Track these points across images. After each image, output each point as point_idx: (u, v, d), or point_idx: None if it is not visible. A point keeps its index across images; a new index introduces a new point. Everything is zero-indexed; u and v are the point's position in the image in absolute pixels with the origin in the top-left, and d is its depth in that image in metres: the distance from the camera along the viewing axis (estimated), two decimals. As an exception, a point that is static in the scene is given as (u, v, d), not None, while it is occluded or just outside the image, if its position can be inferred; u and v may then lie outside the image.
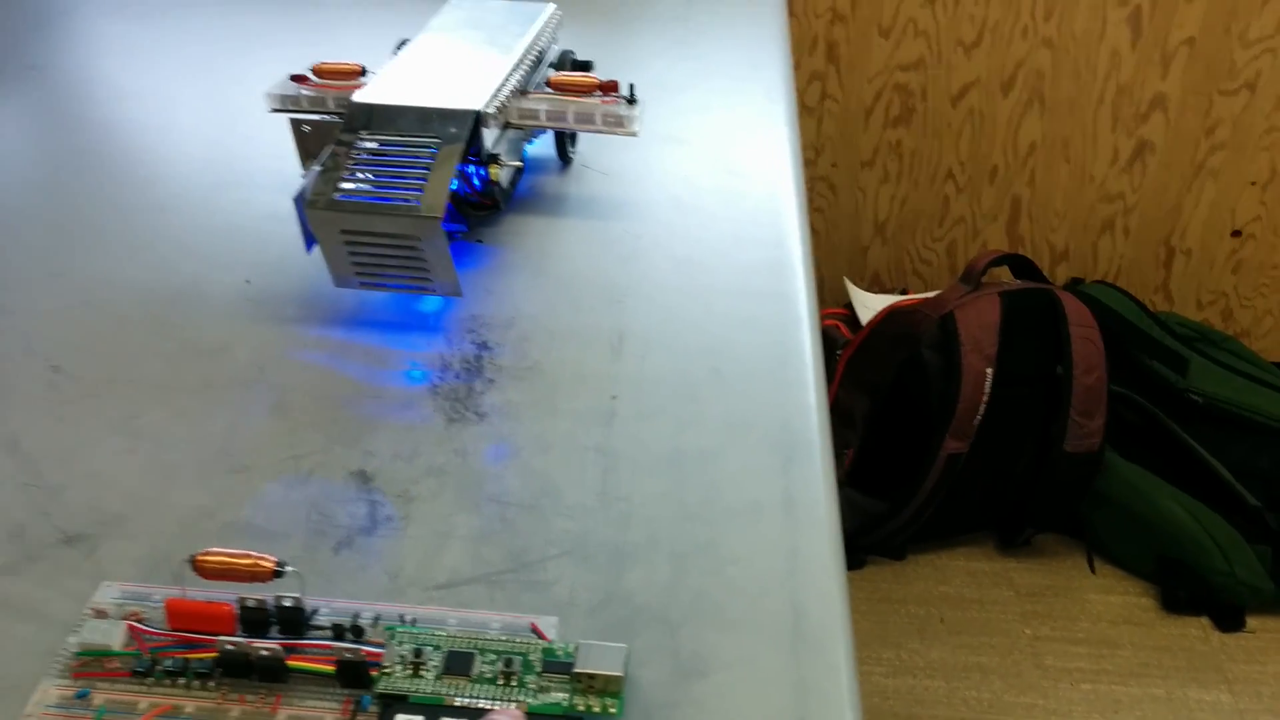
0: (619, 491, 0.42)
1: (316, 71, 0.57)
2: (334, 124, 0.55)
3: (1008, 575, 1.40)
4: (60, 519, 0.41)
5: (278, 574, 0.35)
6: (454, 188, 0.53)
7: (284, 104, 0.56)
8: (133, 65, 0.77)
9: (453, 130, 0.51)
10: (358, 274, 0.50)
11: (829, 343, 1.45)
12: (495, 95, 0.54)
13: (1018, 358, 1.29)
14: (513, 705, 0.33)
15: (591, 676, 0.33)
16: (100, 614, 0.36)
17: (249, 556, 0.35)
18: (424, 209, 0.48)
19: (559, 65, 0.63)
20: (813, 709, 0.34)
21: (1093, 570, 1.40)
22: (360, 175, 0.49)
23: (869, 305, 1.51)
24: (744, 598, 0.38)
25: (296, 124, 0.56)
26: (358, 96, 0.53)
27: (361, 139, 0.51)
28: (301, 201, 0.49)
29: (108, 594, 0.37)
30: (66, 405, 0.47)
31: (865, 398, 1.36)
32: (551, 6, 0.64)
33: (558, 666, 0.34)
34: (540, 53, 0.61)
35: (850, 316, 1.55)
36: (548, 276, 0.55)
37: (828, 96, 1.51)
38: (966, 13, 1.42)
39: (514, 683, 0.33)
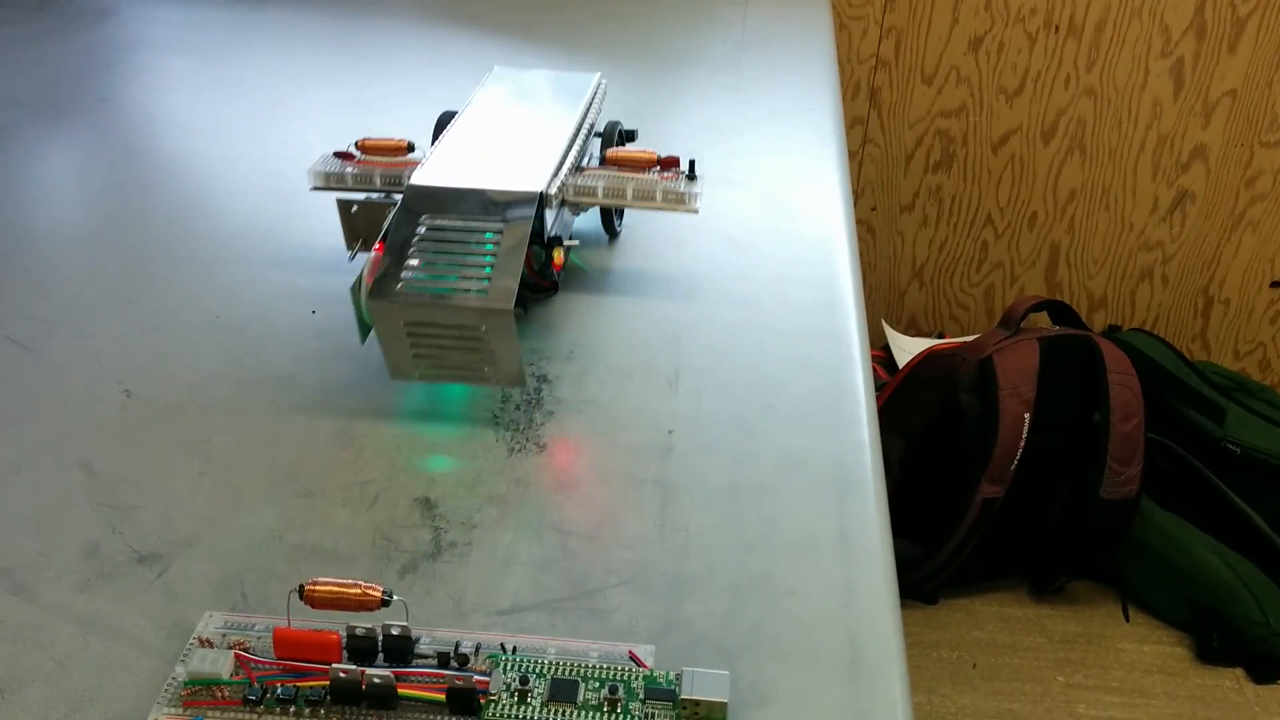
0: (677, 523, 0.43)
1: (361, 147, 0.55)
2: (383, 203, 0.54)
3: (1041, 622, 1.39)
4: (133, 538, 0.42)
5: (384, 603, 0.36)
6: None
7: (328, 182, 0.54)
8: (197, 101, 0.80)
9: (517, 214, 0.49)
10: (417, 367, 0.48)
11: (864, 384, 1.46)
12: (555, 175, 0.52)
13: (1055, 403, 1.29)
14: None
15: (697, 703, 0.34)
16: (206, 643, 0.36)
17: (358, 586, 0.36)
18: (493, 300, 0.45)
19: (607, 135, 0.60)
20: (873, 742, 0.35)
21: (1127, 618, 1.38)
22: (422, 263, 0.47)
23: (905, 348, 1.52)
24: (800, 629, 0.39)
25: (345, 204, 0.54)
26: (415, 179, 0.50)
27: (421, 224, 0.48)
28: (357, 292, 0.48)
29: (212, 624, 0.37)
30: (138, 428, 0.48)
31: (901, 440, 1.36)
32: (598, 75, 0.63)
33: (660, 694, 0.34)
34: (591, 125, 0.60)
35: (887, 359, 1.55)
36: (605, 313, 0.56)
37: (869, 141, 1.52)
38: (1009, 61, 1.43)
39: (619, 709, 0.34)
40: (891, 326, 1.61)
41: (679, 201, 0.55)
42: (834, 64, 0.87)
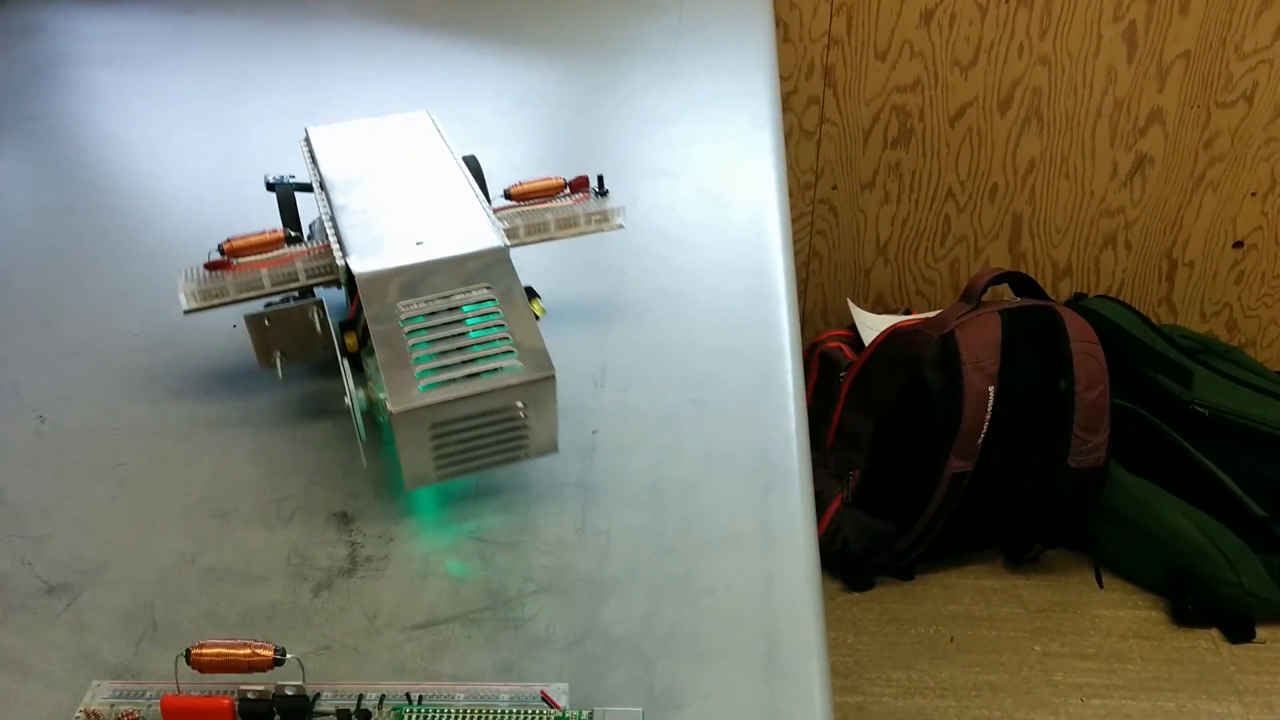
0: (598, 526, 0.43)
1: (231, 251, 0.47)
2: (300, 305, 0.48)
3: (1016, 592, 1.39)
4: (42, 568, 0.42)
5: (277, 662, 0.34)
6: None
7: (208, 300, 0.46)
8: (125, 115, 0.78)
9: (498, 274, 0.44)
10: (443, 468, 0.42)
11: (833, 365, 1.45)
12: (494, 225, 0.47)
13: (1020, 375, 1.28)
14: None
15: None
16: (93, 716, 0.35)
17: (248, 646, 0.34)
18: (532, 370, 0.41)
19: (475, 173, 0.53)
20: (785, 743, 0.34)
21: (1101, 585, 1.39)
22: (428, 358, 0.41)
23: (872, 326, 1.51)
24: (719, 628, 0.38)
25: (255, 319, 0.47)
26: (358, 268, 0.43)
27: (398, 313, 0.42)
28: (355, 403, 0.43)
29: (99, 695, 0.36)
30: (52, 454, 0.47)
31: (870, 419, 1.36)
32: (424, 112, 0.56)
33: None
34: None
35: (854, 338, 1.55)
36: (531, 312, 0.56)
37: (826, 120, 1.51)
38: (962, 33, 1.42)
39: None
40: (858, 305, 1.61)
41: (604, 221, 0.52)
42: (773, 46, 0.86)
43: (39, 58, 0.88)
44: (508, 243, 0.45)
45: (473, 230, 0.46)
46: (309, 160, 0.53)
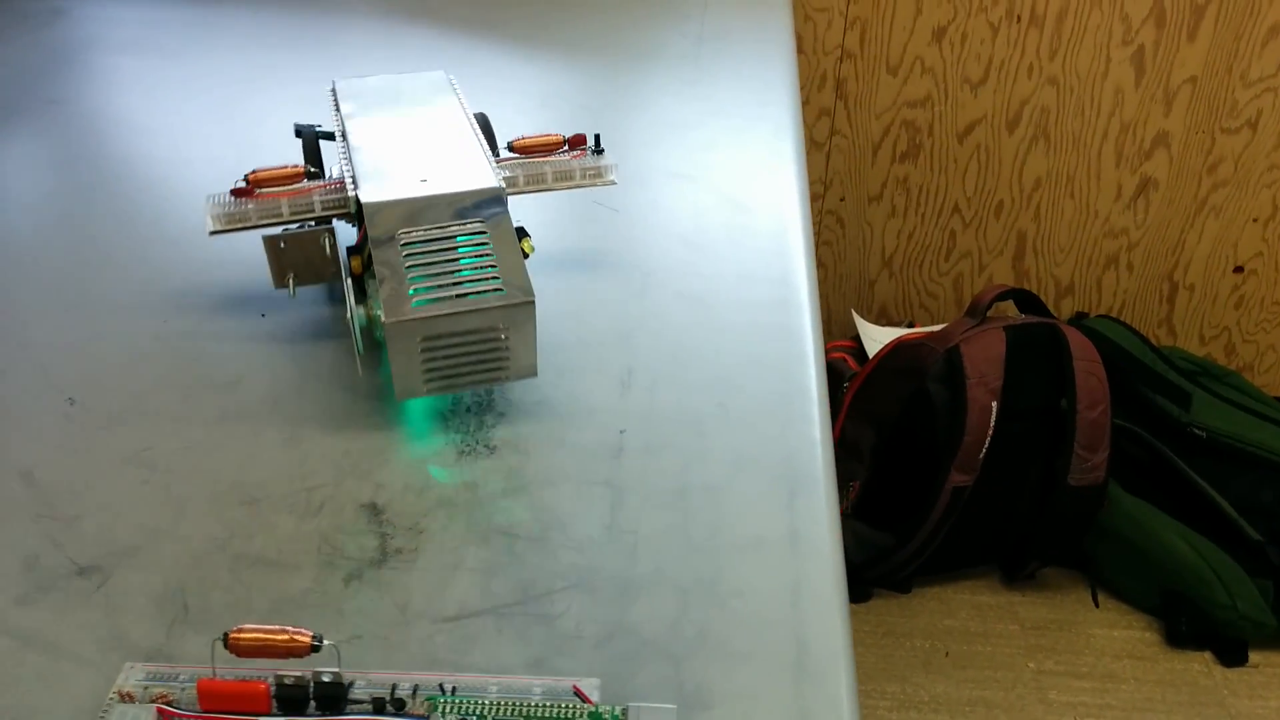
0: (626, 525, 0.43)
1: (255, 181, 0.51)
2: (313, 232, 0.52)
3: (1012, 609, 1.39)
4: (73, 550, 0.42)
5: (314, 648, 0.34)
6: None
7: (230, 223, 0.51)
8: (150, 101, 0.79)
9: (492, 211, 0.48)
10: (428, 382, 0.47)
11: (836, 375, 1.46)
12: (494, 169, 0.51)
13: (1022, 392, 1.29)
14: None
15: None
16: (127, 697, 0.35)
17: (285, 632, 0.34)
18: (514, 295, 0.46)
19: (484, 128, 0.57)
20: (816, 744, 0.34)
21: (1096, 604, 1.39)
22: (423, 277, 0.46)
23: (876, 338, 1.52)
24: (748, 630, 0.38)
25: (273, 241, 0.52)
26: (367, 197, 0.48)
27: (398, 239, 0.47)
28: (355, 319, 0.47)
29: (133, 676, 0.36)
30: (81, 437, 0.47)
31: (871, 431, 1.36)
32: (442, 73, 0.60)
33: None
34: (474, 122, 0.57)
35: (857, 349, 1.55)
36: (558, 312, 0.56)
37: (836, 132, 1.52)
38: (973, 51, 1.43)
39: None
40: (862, 317, 1.61)
41: (597, 176, 0.56)
42: (793, 57, 0.87)
43: (63, 43, 0.88)
44: (503, 185, 0.49)
45: (473, 172, 0.50)
46: (334, 109, 0.57)
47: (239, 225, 0.51)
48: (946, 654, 1.34)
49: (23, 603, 0.39)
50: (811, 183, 1.56)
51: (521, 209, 0.64)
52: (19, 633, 0.38)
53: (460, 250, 0.47)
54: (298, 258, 0.53)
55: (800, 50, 1.44)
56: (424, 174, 0.50)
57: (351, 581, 0.41)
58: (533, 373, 0.48)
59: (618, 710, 0.34)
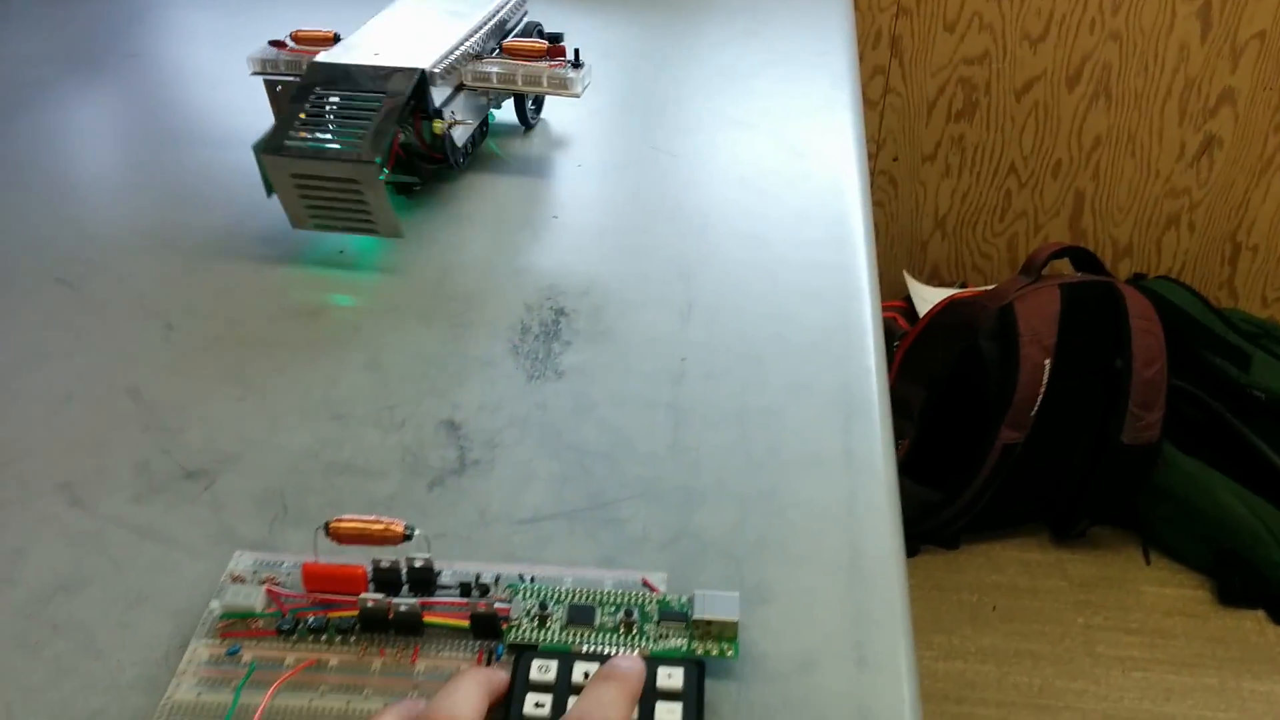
0: (688, 442, 0.46)
1: (294, 38, 0.62)
2: (292, 78, 0.60)
3: (1061, 566, 1.41)
4: (180, 457, 0.45)
5: (406, 537, 0.37)
6: (404, 142, 0.59)
7: (263, 68, 0.62)
8: (224, 53, 0.82)
9: (397, 87, 0.56)
10: (311, 217, 0.56)
11: (887, 334, 1.47)
12: (445, 58, 0.59)
13: (1076, 349, 1.30)
14: (634, 651, 0.35)
15: (709, 623, 0.36)
16: (238, 579, 0.38)
17: (381, 521, 0.37)
18: (362, 154, 0.53)
19: (526, 35, 0.67)
20: (870, 632, 0.37)
21: (1148, 562, 1.40)
22: (311, 127, 0.54)
23: (927, 299, 1.53)
24: (804, 537, 0.41)
25: (271, 84, 0.62)
26: (319, 58, 0.58)
27: (315, 95, 0.56)
28: (258, 152, 0.55)
29: (242, 562, 0.39)
30: (181, 359, 0.51)
31: (922, 388, 1.38)
32: None
33: (674, 615, 0.36)
34: (502, 23, 0.66)
35: (909, 309, 1.56)
36: (621, 250, 0.59)
37: (890, 90, 1.53)
38: (1033, 6, 1.42)
39: (635, 631, 0.36)
40: (914, 277, 1.62)
41: (562, 86, 0.61)
42: (850, 8, 0.88)
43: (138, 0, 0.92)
44: (427, 69, 0.57)
45: (416, 55, 0.58)
46: None
47: (269, 71, 0.62)
48: (994, 608, 1.35)
49: (138, 501, 0.43)
50: (865, 141, 1.57)
51: (583, 152, 0.67)
52: (136, 527, 0.42)
53: (354, 113, 0.55)
54: (283, 100, 0.60)
55: (855, 7, 1.45)
56: (385, 50, 0.59)
57: (434, 487, 0.44)
58: (397, 233, 0.56)
59: (684, 599, 0.37)
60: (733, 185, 0.64)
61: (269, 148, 0.54)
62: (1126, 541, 1.43)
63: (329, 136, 0.54)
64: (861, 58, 1.50)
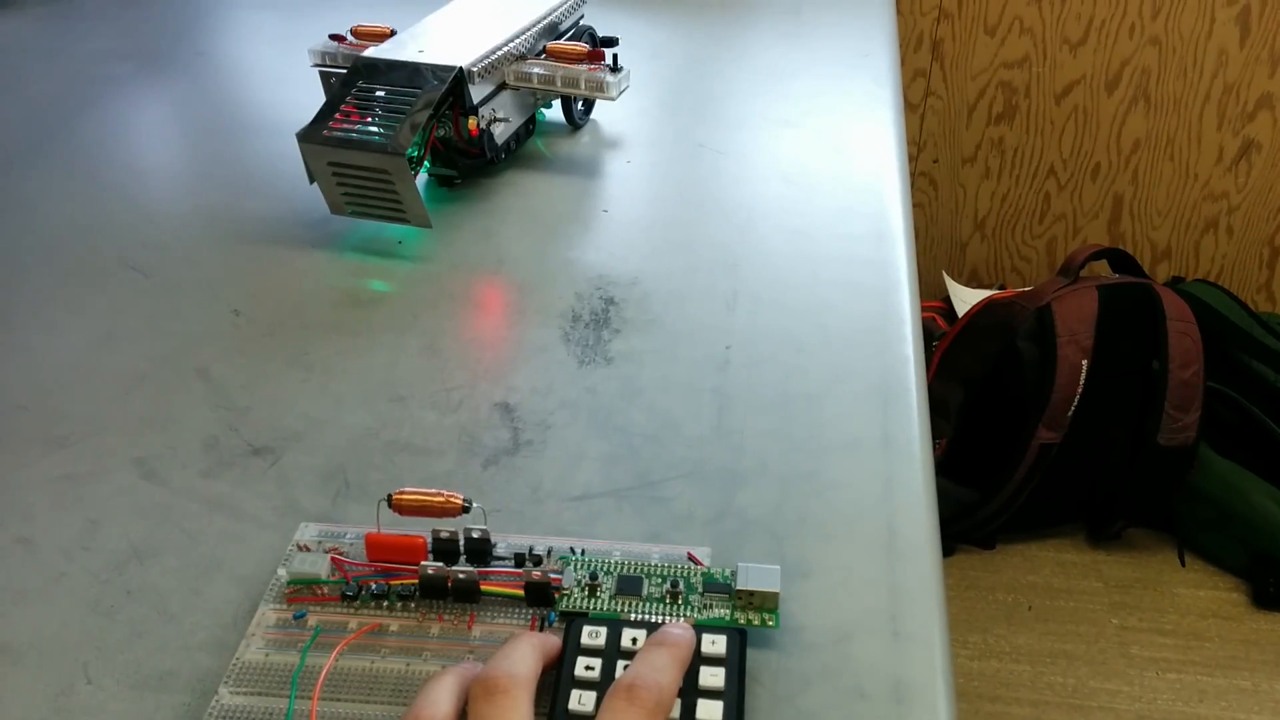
0: (732, 426, 0.47)
1: (354, 33, 0.65)
2: (345, 67, 0.62)
3: (1097, 567, 1.41)
4: (247, 434, 0.48)
5: (465, 510, 0.39)
6: (442, 136, 0.61)
7: (323, 60, 0.65)
8: (288, 53, 0.85)
9: (435, 83, 0.58)
10: (347, 204, 0.58)
11: (925, 334, 1.47)
12: (485, 57, 0.60)
13: (1114, 350, 1.30)
14: (681, 619, 0.37)
15: (751, 594, 0.37)
16: (304, 548, 0.41)
17: (441, 494, 0.39)
18: (391, 146, 0.56)
19: (578, 38, 0.69)
20: (905, 607, 0.39)
21: (1183, 564, 1.40)
22: (350, 118, 0.57)
23: (966, 300, 1.54)
24: (843, 517, 0.43)
25: (326, 76, 0.65)
26: (367, 54, 0.60)
27: (359, 88, 0.58)
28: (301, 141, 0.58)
29: (308, 533, 0.42)
30: (247, 342, 0.53)
31: (960, 388, 1.39)
32: None
33: (718, 587, 0.38)
34: (554, 25, 0.68)
35: (948, 310, 1.57)
36: (669, 243, 0.60)
37: (931, 93, 1.54)
38: (1073, 10, 1.43)
39: (680, 601, 0.38)
40: (953, 279, 1.63)
41: (598, 89, 0.63)
42: (892, 12, 0.89)
43: (207, 1, 0.95)
44: (465, 67, 0.59)
45: (458, 53, 0.60)
46: None
47: (328, 64, 0.65)
48: (1029, 608, 1.36)
49: (207, 475, 0.45)
50: (905, 144, 1.58)
51: (632, 149, 0.69)
52: (206, 499, 0.44)
53: (391, 107, 0.57)
54: (336, 84, 0.62)
55: (897, 11, 1.46)
56: (430, 48, 0.61)
57: (489, 466, 0.46)
58: (426, 224, 0.58)
59: (727, 572, 0.39)
60: (776, 182, 0.66)
61: (307, 135, 0.57)
62: (1162, 543, 1.43)
63: (366, 127, 0.57)
64: (903, 61, 1.51)
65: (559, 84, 0.64)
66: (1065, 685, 1.26)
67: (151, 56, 0.84)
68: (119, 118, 0.75)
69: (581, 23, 0.72)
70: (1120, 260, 1.40)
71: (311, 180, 0.59)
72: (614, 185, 0.66)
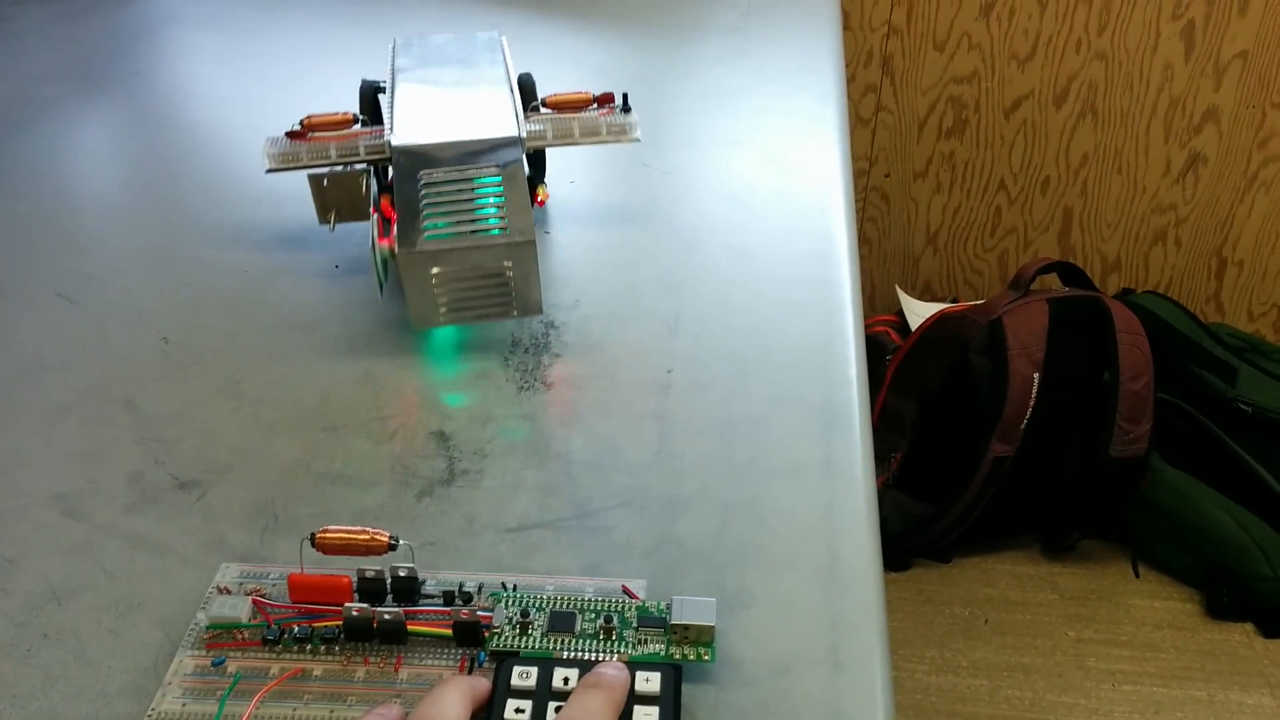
0: (673, 451, 0.47)
1: (309, 125, 0.56)
2: (353, 174, 0.56)
3: (1052, 579, 1.41)
4: (173, 467, 0.46)
5: (391, 547, 0.38)
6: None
7: (284, 162, 0.56)
8: (226, 74, 0.83)
9: (507, 157, 0.52)
10: (442, 312, 0.52)
11: (879, 348, 1.48)
12: (518, 121, 0.54)
13: (1065, 363, 1.31)
14: (614, 657, 0.36)
15: (686, 628, 0.37)
16: (224, 591, 0.39)
17: (365, 532, 0.38)
18: (515, 234, 0.50)
19: (523, 86, 0.60)
20: (846, 637, 0.38)
21: (1137, 575, 1.41)
22: (437, 214, 0.50)
23: (919, 313, 1.54)
24: (784, 544, 0.42)
25: (316, 179, 0.57)
26: (397, 141, 0.52)
27: (421, 180, 0.51)
28: (374, 252, 0.52)
29: (229, 574, 0.40)
30: (176, 371, 0.52)
31: (913, 402, 1.39)
32: (496, 33, 0.64)
33: (652, 621, 0.37)
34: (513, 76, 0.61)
35: (901, 324, 1.57)
36: (611, 265, 0.60)
37: (882, 108, 1.54)
38: (1020, 26, 1.44)
39: (614, 637, 0.37)
40: (906, 292, 1.63)
41: (621, 133, 0.58)
42: (838, 30, 0.89)
43: (146, 19, 0.93)
44: (522, 135, 0.53)
45: (497, 122, 0.54)
46: (390, 64, 0.60)
47: (291, 165, 0.56)
48: (985, 621, 1.36)
49: (131, 511, 0.44)
50: (857, 159, 1.58)
51: (575, 169, 0.68)
52: (129, 536, 0.43)
53: (475, 192, 0.51)
54: (340, 196, 0.57)
55: (847, 26, 1.46)
56: (454, 122, 0.54)
57: (423, 497, 0.45)
58: (538, 310, 0.52)
59: (662, 605, 0.38)
60: (721, 201, 0.65)
61: (404, 244, 0.49)
62: (1116, 554, 1.44)
63: (464, 223, 0.50)
64: (853, 77, 1.52)
65: (578, 134, 0.58)
66: (1022, 699, 1.26)
67: (85, 76, 0.83)
68: (50, 139, 0.73)
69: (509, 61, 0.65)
70: (1070, 273, 1.41)
71: (381, 292, 0.53)
72: (557, 207, 0.66)
